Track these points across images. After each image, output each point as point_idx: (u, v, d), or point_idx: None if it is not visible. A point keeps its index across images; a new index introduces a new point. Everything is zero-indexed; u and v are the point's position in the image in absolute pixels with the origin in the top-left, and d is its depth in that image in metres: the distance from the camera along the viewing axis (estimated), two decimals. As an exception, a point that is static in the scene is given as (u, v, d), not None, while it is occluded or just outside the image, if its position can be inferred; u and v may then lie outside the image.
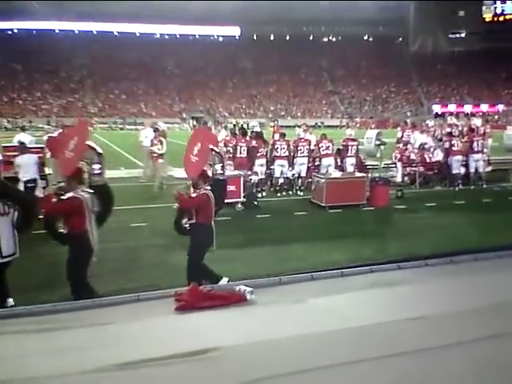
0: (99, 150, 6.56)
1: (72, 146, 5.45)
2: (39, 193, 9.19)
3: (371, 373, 2.62)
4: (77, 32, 70.54)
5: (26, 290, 5.54)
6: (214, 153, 7.03)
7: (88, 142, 6.36)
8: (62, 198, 5.27)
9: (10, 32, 68.08)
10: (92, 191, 5.37)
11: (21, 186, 9.14)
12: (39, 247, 7.05)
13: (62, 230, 5.42)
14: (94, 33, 71.33)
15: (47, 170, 11.38)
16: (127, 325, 3.23)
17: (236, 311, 3.56)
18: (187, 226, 6.21)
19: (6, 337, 2.92)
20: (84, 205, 5.15)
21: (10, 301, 5.15)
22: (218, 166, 7.04)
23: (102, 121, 55.48)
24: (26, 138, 14.43)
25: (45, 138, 14.89)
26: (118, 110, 63.52)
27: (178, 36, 76.32)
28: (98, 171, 5.96)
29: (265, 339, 2.88)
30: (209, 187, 5.87)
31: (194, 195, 5.90)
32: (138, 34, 73.93)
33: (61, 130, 15.03)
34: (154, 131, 14.25)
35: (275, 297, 3.95)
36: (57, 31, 69.52)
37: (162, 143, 13.54)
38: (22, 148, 10.20)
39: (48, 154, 12.27)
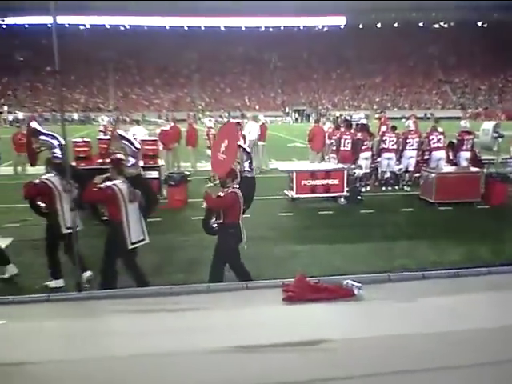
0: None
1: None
2: None
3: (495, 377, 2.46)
4: (186, 28, 73.67)
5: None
6: (241, 150, 6.77)
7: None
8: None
9: (122, 28, 72.65)
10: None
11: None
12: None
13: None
14: (202, 28, 74.00)
15: (160, 162, 12.03)
16: (238, 311, 3.34)
17: (344, 305, 3.52)
18: (215, 225, 5.99)
19: (126, 315, 3.17)
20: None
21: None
22: (247, 164, 6.74)
23: (209, 114, 57.60)
24: (140, 131, 15.46)
25: (157, 131, 15.86)
26: (224, 104, 65.52)
27: (282, 28, 76.75)
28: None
29: (378, 335, 2.82)
30: (237, 186, 5.70)
31: (221, 194, 5.74)
32: (243, 29, 75.52)
33: (172, 124, 15.94)
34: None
35: (384, 294, 3.85)
36: (167, 27, 73.10)
37: (244, 138, 13.46)
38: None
39: (160, 147, 13.02)
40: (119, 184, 5.61)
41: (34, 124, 6.21)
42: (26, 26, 67.38)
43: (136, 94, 66.18)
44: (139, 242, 5.70)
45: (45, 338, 2.75)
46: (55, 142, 6.06)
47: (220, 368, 2.77)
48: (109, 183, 5.59)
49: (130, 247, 5.57)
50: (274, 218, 9.95)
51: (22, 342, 2.72)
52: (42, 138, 6.15)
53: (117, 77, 67.12)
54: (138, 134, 14.73)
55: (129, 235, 5.55)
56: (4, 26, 67.53)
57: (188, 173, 12.24)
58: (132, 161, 6.41)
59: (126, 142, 6.21)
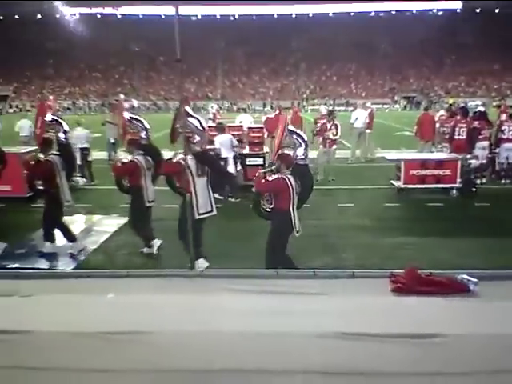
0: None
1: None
2: (231, 169, 10.37)
3: None
4: (294, 16, 73.52)
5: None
6: (294, 136, 6.49)
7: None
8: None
9: (232, 18, 74.24)
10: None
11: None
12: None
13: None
14: (310, 15, 73.37)
15: (265, 149, 12.20)
16: (345, 298, 3.33)
17: (458, 301, 3.34)
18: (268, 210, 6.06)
19: (237, 294, 3.30)
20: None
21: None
22: (300, 150, 6.45)
23: (314, 102, 57.21)
24: (247, 118, 15.81)
25: (263, 118, 16.10)
26: (329, 92, 64.78)
27: (393, 13, 73.74)
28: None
29: (494, 333, 2.64)
30: (288, 172, 5.59)
31: (269, 179, 5.72)
32: (352, 14, 73.71)
33: (277, 112, 16.10)
34: (328, 115, 13.55)
35: (503, 291, 3.58)
36: (275, 16, 73.44)
37: (337, 128, 13.04)
38: (220, 129, 11.14)
39: (265, 134, 13.22)
40: (188, 160, 6.12)
41: (187, 108, 6.82)
42: (141, 16, 71.44)
43: (243, 82, 67.65)
44: (207, 213, 6.29)
45: (160, 311, 2.94)
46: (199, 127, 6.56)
47: (326, 353, 2.78)
48: (179, 158, 6.25)
49: (198, 217, 6.09)
50: (380, 208, 9.70)
51: (140, 312, 2.93)
52: (191, 121, 6.74)
53: (225, 66, 69.07)
54: (244, 121, 15.09)
55: (197, 206, 6.10)
56: (119, 16, 71.98)
57: (293, 160, 12.29)
58: (197, 139, 6.67)
59: (193, 121, 6.51)
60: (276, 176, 5.66)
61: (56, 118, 8.51)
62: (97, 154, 14.33)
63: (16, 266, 6.62)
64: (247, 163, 11.41)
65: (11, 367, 2.42)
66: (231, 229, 8.31)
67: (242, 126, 12.76)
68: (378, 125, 17.07)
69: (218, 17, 73.15)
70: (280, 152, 5.83)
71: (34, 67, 64.72)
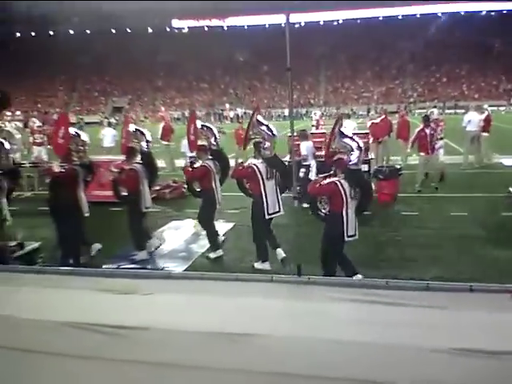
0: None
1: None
2: (312, 176, 9.76)
3: None
4: (400, 17, 71.24)
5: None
6: (347, 140, 6.17)
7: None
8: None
9: (335, 23, 73.55)
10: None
11: (302, 169, 10.23)
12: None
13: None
14: (418, 16, 70.62)
15: (370, 155, 11.90)
16: (460, 312, 3.14)
17: None
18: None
19: (343, 303, 3.26)
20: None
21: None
22: (354, 155, 6.12)
23: (420, 106, 54.86)
24: (350, 124, 15.60)
25: (368, 123, 15.78)
26: (438, 94, 61.80)
27: (504, 12, 68.51)
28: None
29: None
30: (343, 177, 5.69)
31: (322, 182, 5.90)
32: (462, 13, 69.77)
33: (383, 116, 15.68)
34: (425, 120, 12.42)
35: None
36: (380, 18, 71.68)
37: (434, 133, 12.20)
38: (303, 136, 10.94)
39: (371, 140, 12.88)
40: (258, 164, 6.80)
41: (259, 116, 7.23)
42: (245, 26, 73.53)
43: (346, 88, 66.80)
44: (275, 213, 6.86)
45: (269, 315, 2.99)
46: (269, 133, 6.93)
47: (436, 368, 2.65)
48: (249, 163, 6.94)
49: (267, 217, 6.76)
50: (497, 217, 9.02)
51: (249, 316, 3.00)
52: (262, 128, 7.04)
53: (328, 72, 68.74)
54: (347, 127, 14.90)
55: (266, 207, 6.72)
56: (225, 28, 74.71)
57: (399, 166, 11.91)
58: (267, 144, 7.04)
59: (264, 128, 6.93)
60: (329, 180, 5.82)
61: (139, 128, 9.05)
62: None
63: (134, 266, 7.13)
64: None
65: (130, 361, 2.58)
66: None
67: (344, 132, 12.59)
68: (495, 128, 15.88)
69: (322, 23, 73.00)
70: (336, 157, 5.99)
71: (146, 80, 69.40)
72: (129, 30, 71.68)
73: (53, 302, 3.17)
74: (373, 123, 14.99)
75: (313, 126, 16.94)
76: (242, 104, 63.44)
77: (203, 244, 8.21)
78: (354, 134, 12.06)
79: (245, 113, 57.19)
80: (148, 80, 69.62)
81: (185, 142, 13.29)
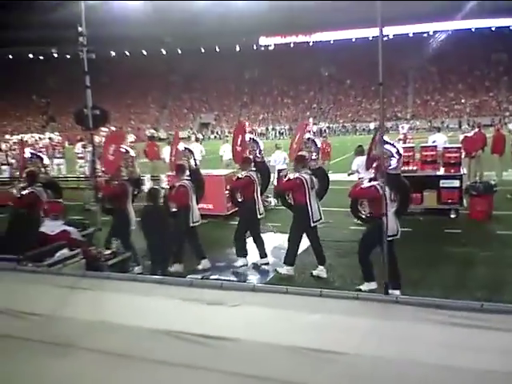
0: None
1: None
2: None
3: None
4: (494, 29, 67.60)
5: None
6: (387, 146, 6.47)
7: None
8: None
9: (425, 35, 71.02)
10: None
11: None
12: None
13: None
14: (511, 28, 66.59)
15: (462, 170, 11.30)
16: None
17: None
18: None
19: (432, 324, 3.10)
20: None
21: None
22: (393, 161, 6.48)
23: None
24: (440, 138, 14.99)
25: (460, 137, 15.06)
26: (539, 106, 57.62)
27: None
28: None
29: None
30: (382, 181, 5.82)
31: (363, 186, 6.41)
32: None
33: (476, 130, 14.88)
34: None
35: None
36: (473, 30, 68.38)
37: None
38: (359, 151, 10.59)
39: (463, 154, 12.24)
40: (304, 175, 7.28)
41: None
42: (331, 41, 73.26)
43: (436, 100, 64.24)
44: (318, 220, 7.39)
45: (354, 333, 2.92)
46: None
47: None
48: (297, 175, 7.36)
49: (313, 224, 7.27)
50: None
51: (334, 333, 2.96)
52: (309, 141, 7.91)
53: (416, 85, 66.60)
54: (438, 140, 14.32)
55: (312, 215, 7.21)
56: (311, 43, 74.88)
57: (493, 182, 11.23)
58: (315, 156, 7.82)
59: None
60: (369, 184, 6.23)
61: (187, 146, 9.51)
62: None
63: (220, 277, 7.33)
64: (441, 185, 10.71)
65: (217, 371, 2.62)
66: (420, 253, 7.90)
67: (435, 147, 12.15)
68: None
69: (411, 35, 70.95)
70: (376, 162, 6.15)
71: (233, 96, 71.39)
72: (217, 49, 74.28)
73: (144, 308, 3.31)
74: (466, 137, 14.31)
75: (399, 139, 16.49)
76: (325, 118, 63.20)
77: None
78: (445, 148, 11.71)
79: (328, 127, 56.96)
80: (234, 97, 71.56)
81: (276, 155, 13.68)
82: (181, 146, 9.53)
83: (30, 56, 77.16)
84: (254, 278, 7.61)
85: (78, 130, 42.83)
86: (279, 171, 12.78)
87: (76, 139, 27.39)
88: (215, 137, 57.83)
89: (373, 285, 6.34)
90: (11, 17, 63.34)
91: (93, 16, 6.87)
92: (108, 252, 6.39)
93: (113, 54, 75.86)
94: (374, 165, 6.20)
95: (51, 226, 6.01)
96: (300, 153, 8.00)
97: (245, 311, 3.07)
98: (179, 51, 74.58)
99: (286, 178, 7.67)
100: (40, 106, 72.79)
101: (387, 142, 6.43)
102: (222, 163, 16.36)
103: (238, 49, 74.76)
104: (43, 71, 72.12)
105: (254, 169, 8.32)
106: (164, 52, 76.02)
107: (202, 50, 74.23)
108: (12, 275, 4.49)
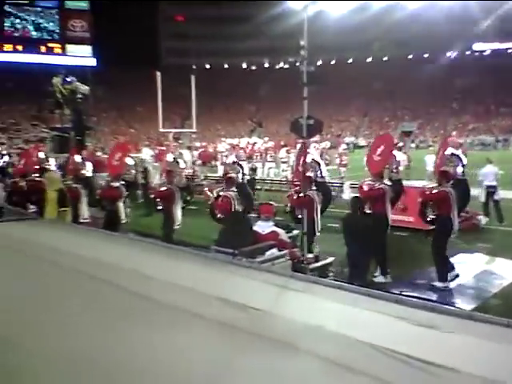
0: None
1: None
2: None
3: None
4: None
5: None
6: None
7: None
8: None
9: None
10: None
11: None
12: None
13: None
14: None
15: None
16: None
17: None
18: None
19: None
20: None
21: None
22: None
23: None
24: None
25: None
26: None
27: None
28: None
29: None
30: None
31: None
32: None
33: None
34: None
35: None
36: None
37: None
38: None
39: None
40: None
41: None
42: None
43: None
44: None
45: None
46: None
47: None
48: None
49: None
50: None
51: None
52: None
53: None
54: None
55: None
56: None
57: None
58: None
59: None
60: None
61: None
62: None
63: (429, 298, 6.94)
64: None
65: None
66: None
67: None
68: None
69: None
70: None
71: (440, 104, 67.31)
72: (426, 55, 71.07)
73: (352, 319, 3.34)
74: None
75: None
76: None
77: (496, 283, 7.49)
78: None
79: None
80: (442, 104, 67.47)
81: (486, 169, 12.60)
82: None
83: (244, 66, 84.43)
84: (458, 302, 7.08)
85: (282, 136, 45.49)
86: (488, 187, 11.78)
87: (280, 145, 29.10)
88: (417, 146, 55.25)
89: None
90: (229, 29, 70.52)
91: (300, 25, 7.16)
92: (311, 256, 6.64)
93: (319, 62, 78.49)
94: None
95: (263, 226, 6.51)
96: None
97: (461, 340, 2.88)
98: (385, 58, 73.49)
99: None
100: (250, 112, 79.03)
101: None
102: (425, 174, 15.67)
103: (448, 55, 70.41)
104: (254, 80, 78.25)
105: (451, 184, 8.10)
106: (369, 59, 75.72)
107: (410, 57, 71.86)
108: (228, 268, 4.93)
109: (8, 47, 73.75)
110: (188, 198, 15.52)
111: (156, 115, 25.38)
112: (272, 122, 69.26)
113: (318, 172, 9.99)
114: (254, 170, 17.18)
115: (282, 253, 5.90)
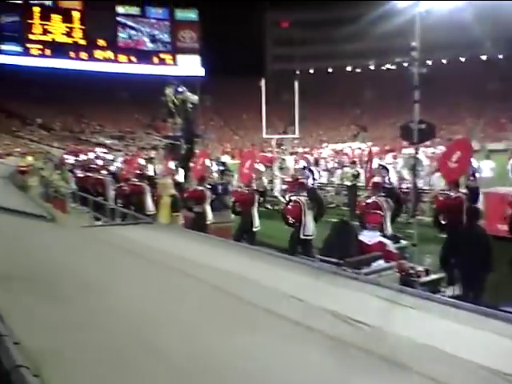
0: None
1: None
2: None
3: None
4: None
5: None
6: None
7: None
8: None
9: None
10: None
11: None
12: None
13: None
14: None
15: None
16: None
17: None
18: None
19: None
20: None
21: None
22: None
23: None
24: None
25: None
26: None
27: None
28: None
29: None
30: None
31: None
32: None
33: None
34: None
35: None
36: None
37: None
38: None
39: None
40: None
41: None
42: None
43: None
44: None
45: None
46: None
47: None
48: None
49: None
50: None
51: None
52: None
53: None
54: None
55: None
56: None
57: None
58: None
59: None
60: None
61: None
62: None
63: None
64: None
65: None
66: None
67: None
68: None
69: None
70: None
71: None
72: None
73: (469, 341, 3.13)
74: None
75: None
76: None
77: None
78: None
79: None
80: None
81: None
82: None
83: (348, 69, 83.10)
84: None
85: (386, 141, 44.04)
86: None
87: (385, 150, 28.19)
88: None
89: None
90: (333, 32, 69.85)
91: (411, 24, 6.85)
92: (421, 269, 6.32)
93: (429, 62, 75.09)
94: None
95: (369, 236, 6.33)
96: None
97: None
98: (500, 56, 68.42)
99: None
100: (353, 117, 77.57)
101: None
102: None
103: None
104: (359, 83, 76.71)
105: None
106: (484, 58, 70.95)
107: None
108: (332, 278, 4.85)
109: (122, 58, 78.91)
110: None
111: (260, 122, 25.91)
112: (376, 127, 67.43)
113: (386, 178, 10.11)
114: (356, 176, 16.76)
115: (389, 265, 5.69)
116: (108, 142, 63.07)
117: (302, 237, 8.99)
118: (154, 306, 2.94)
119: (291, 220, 9.08)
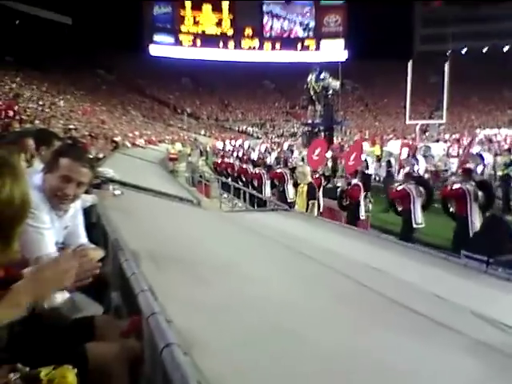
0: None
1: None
2: None
3: None
4: None
5: None
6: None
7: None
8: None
9: None
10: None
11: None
12: None
13: None
14: None
15: None
16: None
17: None
18: None
19: None
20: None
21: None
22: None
23: None
24: None
25: None
26: None
27: None
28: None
29: None
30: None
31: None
32: None
33: None
34: None
35: None
36: None
37: None
38: None
39: None
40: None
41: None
42: None
43: None
44: None
45: None
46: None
47: None
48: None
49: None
50: None
51: None
52: None
53: None
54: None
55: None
56: None
57: None
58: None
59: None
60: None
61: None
62: None
63: None
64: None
65: None
66: None
67: None
68: None
69: None
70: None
71: None
72: None
73: None
74: None
75: None
76: None
77: None
78: None
79: None
80: None
81: None
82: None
83: (505, 49, 75.33)
84: None
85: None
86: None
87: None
88: None
89: None
90: (489, 9, 63.46)
91: None
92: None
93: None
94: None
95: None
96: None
97: None
98: None
99: None
100: (509, 100, 70.23)
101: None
102: None
103: None
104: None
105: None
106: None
107: None
108: (481, 278, 4.47)
109: (267, 47, 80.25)
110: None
111: (402, 107, 24.75)
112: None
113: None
114: (508, 165, 15.00)
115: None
116: (250, 129, 65.41)
117: (414, 226, 9.03)
118: (294, 295, 2.95)
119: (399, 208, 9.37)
